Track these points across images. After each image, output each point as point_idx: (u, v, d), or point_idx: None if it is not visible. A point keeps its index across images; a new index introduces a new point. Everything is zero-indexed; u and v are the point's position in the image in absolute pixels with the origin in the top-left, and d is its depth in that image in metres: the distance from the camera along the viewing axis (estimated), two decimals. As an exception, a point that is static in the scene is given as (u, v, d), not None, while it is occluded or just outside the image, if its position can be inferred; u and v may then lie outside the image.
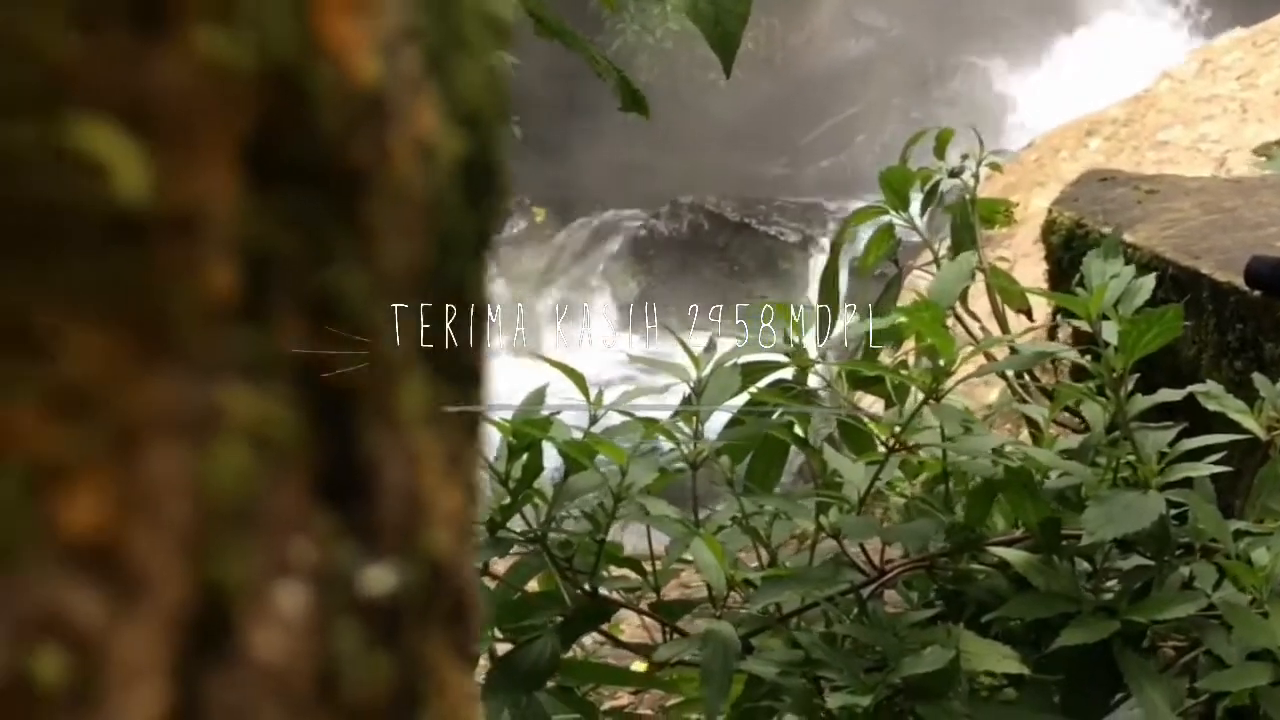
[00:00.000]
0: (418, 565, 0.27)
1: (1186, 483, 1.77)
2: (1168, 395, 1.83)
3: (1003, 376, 2.45)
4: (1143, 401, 1.80)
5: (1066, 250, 2.84)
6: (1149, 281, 1.86)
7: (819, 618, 1.78)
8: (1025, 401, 2.54)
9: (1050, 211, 2.97)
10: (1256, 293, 2.25)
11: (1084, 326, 1.81)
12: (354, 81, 0.25)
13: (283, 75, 0.24)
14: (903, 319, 1.82)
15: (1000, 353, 2.20)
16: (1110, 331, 1.76)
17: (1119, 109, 5.78)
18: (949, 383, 1.73)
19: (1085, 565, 1.84)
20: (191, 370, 0.23)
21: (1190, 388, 1.83)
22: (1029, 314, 2.66)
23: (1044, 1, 7.61)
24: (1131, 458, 1.80)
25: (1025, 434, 2.51)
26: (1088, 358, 1.82)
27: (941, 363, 1.67)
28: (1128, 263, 1.90)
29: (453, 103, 0.27)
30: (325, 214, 0.25)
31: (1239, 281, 2.35)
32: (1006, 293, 2.41)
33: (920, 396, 1.79)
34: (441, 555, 0.28)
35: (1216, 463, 1.77)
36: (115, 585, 0.22)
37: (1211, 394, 1.88)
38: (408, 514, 0.27)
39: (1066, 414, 2.74)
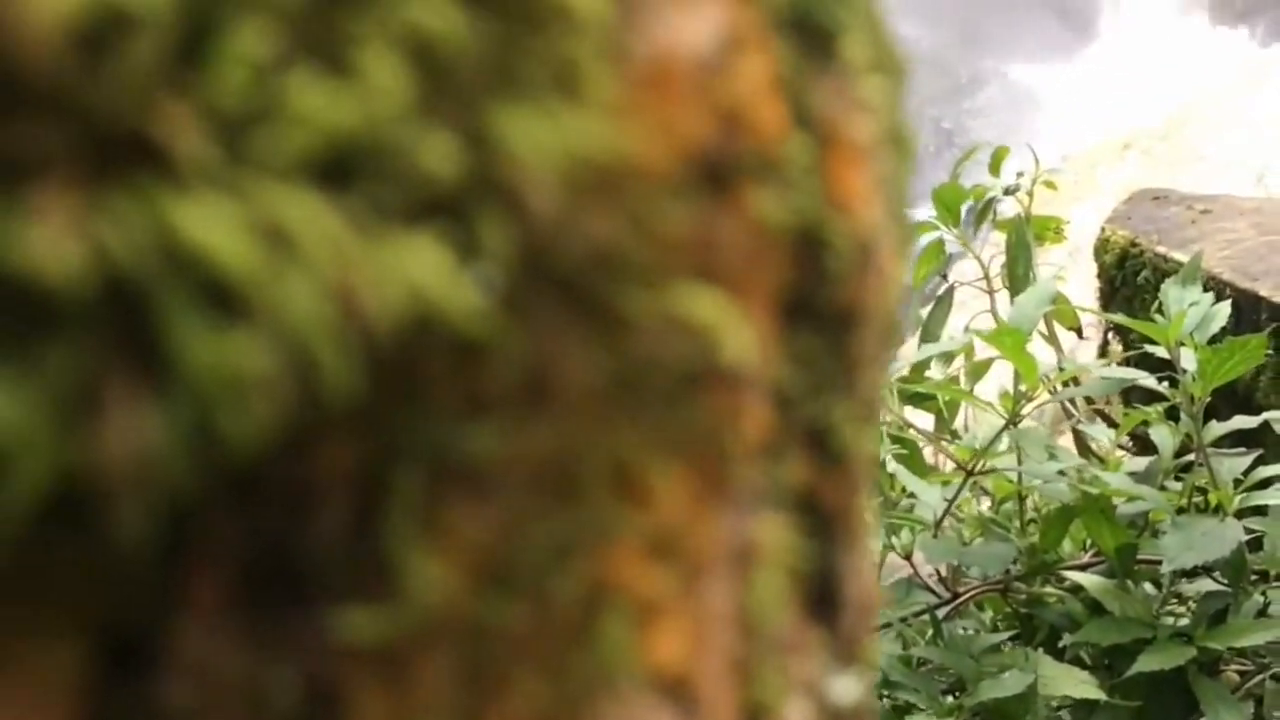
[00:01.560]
0: (867, 673, 0.29)
1: (1260, 509, 1.78)
2: (1243, 422, 1.84)
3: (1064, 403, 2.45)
4: (1218, 428, 1.81)
5: (1120, 269, 2.85)
6: (1224, 308, 1.87)
7: (884, 638, 1.79)
8: (1076, 420, 2.55)
9: (1103, 230, 2.97)
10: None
11: (1145, 347, 1.82)
12: (858, 229, 0.26)
13: (808, 228, 0.25)
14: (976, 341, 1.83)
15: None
16: (1188, 358, 1.77)
17: (1156, 122, 5.77)
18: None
19: (1150, 589, 1.86)
20: (735, 506, 0.25)
21: (1265, 415, 1.84)
22: (1079, 331, 2.67)
23: (1076, 11, 7.61)
24: (1202, 482, 1.81)
25: (1064, 440, 2.53)
26: (1164, 384, 1.83)
27: (1024, 387, 1.69)
28: (1183, 283, 1.91)
29: (897, 233, 0.29)
30: (822, 350, 0.27)
31: (1299, 305, 2.36)
32: (1059, 311, 2.43)
33: (982, 418, 1.80)
34: (872, 661, 0.30)
35: (1286, 489, 1.78)
36: (684, 712, 0.24)
37: (1286, 421, 1.89)
38: (860, 624, 0.29)
39: (1097, 413, 2.75)
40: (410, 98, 0.19)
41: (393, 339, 0.18)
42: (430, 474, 0.20)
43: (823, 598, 0.27)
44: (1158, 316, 1.78)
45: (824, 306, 0.26)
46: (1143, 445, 2.60)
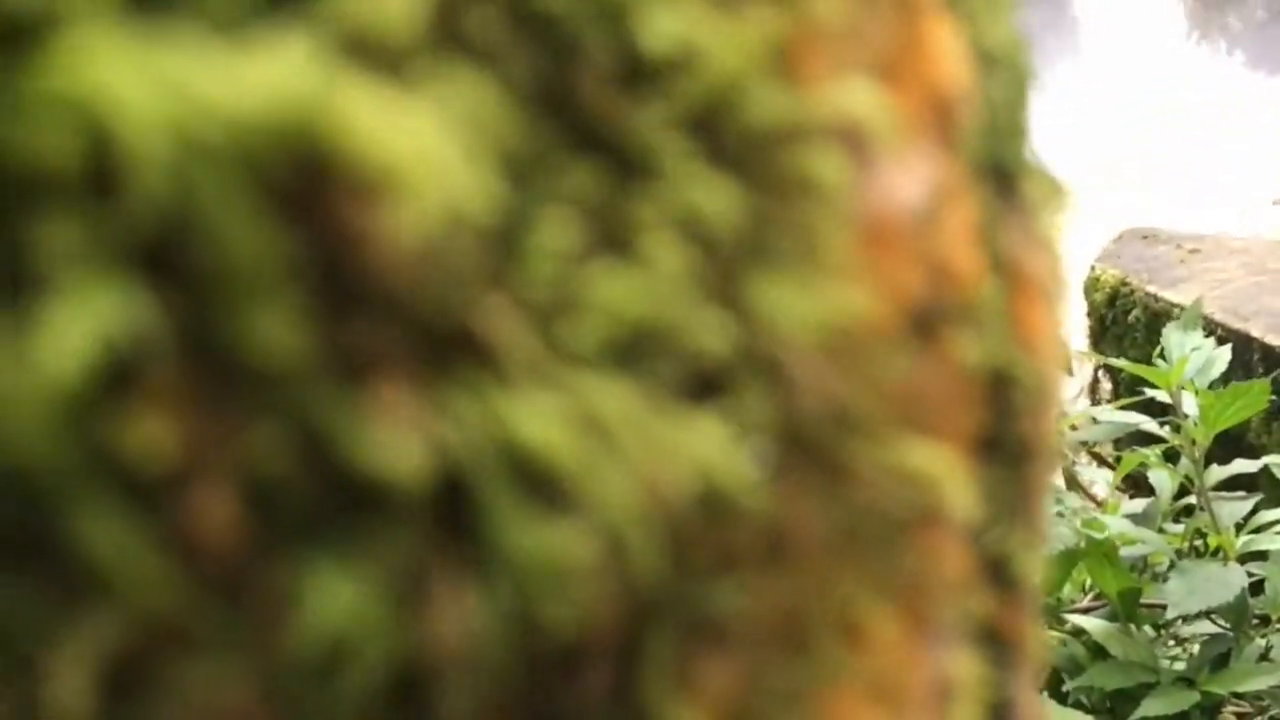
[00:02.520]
0: (1031, 790, 0.29)
1: (1260, 554, 1.79)
2: (1243, 466, 1.85)
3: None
4: (1219, 472, 1.83)
5: (1110, 308, 2.86)
6: (1224, 353, 1.89)
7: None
8: (1072, 461, 2.57)
9: (1093, 269, 2.99)
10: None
11: (1145, 391, 1.84)
12: (1039, 365, 0.27)
13: (999, 368, 0.26)
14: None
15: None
16: (1190, 403, 1.79)
17: (1135, 148, 5.80)
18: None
19: (1148, 630, 1.87)
20: (937, 643, 0.25)
21: (1265, 459, 1.86)
22: (1069, 370, 2.69)
23: (1055, 38, 7.69)
24: (1200, 525, 1.82)
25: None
26: (1164, 427, 1.84)
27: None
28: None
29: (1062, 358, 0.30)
30: (1004, 482, 0.27)
31: (1292, 347, 2.38)
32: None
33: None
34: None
35: None
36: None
37: (1286, 466, 1.90)
38: (1027, 743, 0.29)
39: (1090, 453, 2.77)
40: (687, 277, 0.20)
41: (683, 517, 0.19)
42: (682, 630, 0.21)
43: (998, 721, 0.28)
44: (1159, 361, 1.80)
45: (1008, 441, 0.27)
46: (1134, 485, 2.62)
